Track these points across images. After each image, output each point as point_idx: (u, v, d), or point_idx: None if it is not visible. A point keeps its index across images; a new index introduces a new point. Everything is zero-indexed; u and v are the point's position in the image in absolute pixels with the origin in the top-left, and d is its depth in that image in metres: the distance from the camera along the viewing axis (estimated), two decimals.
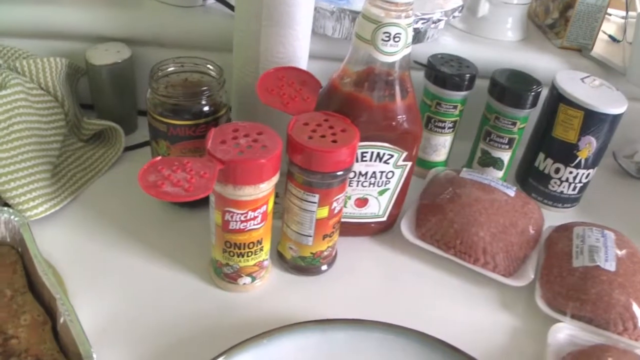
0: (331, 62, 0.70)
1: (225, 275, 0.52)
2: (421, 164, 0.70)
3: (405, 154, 0.54)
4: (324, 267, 0.56)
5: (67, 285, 0.51)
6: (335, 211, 0.51)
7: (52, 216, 0.57)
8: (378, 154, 0.53)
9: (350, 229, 0.59)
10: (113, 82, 0.65)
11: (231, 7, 0.68)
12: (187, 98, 0.53)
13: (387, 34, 0.48)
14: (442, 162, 0.71)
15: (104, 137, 0.69)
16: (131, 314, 0.49)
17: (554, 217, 0.66)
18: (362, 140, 0.51)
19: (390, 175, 0.56)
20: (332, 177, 0.48)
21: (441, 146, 0.69)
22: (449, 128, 0.67)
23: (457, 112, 0.66)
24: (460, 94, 0.65)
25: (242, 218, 0.47)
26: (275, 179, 0.46)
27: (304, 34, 0.58)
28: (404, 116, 0.52)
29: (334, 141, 0.47)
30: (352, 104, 0.51)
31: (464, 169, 0.64)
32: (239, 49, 0.59)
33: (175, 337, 0.48)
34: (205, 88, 0.53)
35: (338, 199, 0.50)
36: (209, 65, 0.57)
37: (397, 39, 0.48)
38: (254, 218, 0.47)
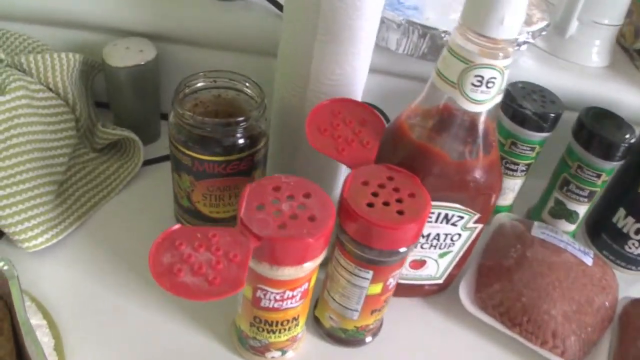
0: (389, 78, 0.60)
1: (251, 347, 0.43)
2: None
3: (477, 216, 0.44)
4: (368, 339, 0.47)
5: (65, 340, 0.43)
6: (390, 287, 0.42)
7: (53, 246, 0.49)
8: (446, 215, 0.44)
9: (399, 290, 0.50)
10: (133, 86, 0.56)
11: (279, 6, 0.58)
12: (219, 130, 0.43)
13: (480, 78, 0.37)
14: (508, 206, 0.61)
15: (120, 146, 0.60)
16: None
17: (626, 282, 0.56)
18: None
19: (456, 237, 0.46)
20: (393, 254, 0.38)
21: (510, 190, 0.58)
22: (522, 171, 0.57)
23: (534, 154, 0.55)
24: (541, 136, 0.54)
25: (278, 297, 0.38)
26: (322, 255, 0.37)
27: (366, 53, 0.48)
28: (484, 175, 0.42)
29: (400, 211, 0.37)
30: (423, 157, 0.41)
31: (536, 224, 0.54)
32: (285, 62, 0.49)
33: None
34: (241, 119, 0.43)
35: (395, 274, 0.41)
36: (247, 84, 0.47)
37: (490, 85, 0.37)
38: (292, 297, 0.38)
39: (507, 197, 0.59)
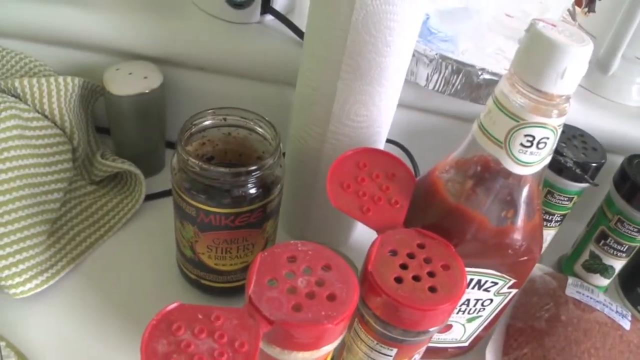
0: (416, 113, 0.55)
1: None
2: None
3: (513, 281, 0.40)
4: None
5: None
6: None
7: (44, 292, 0.45)
8: (479, 281, 0.39)
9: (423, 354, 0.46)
10: (136, 116, 0.51)
11: (299, 33, 0.53)
12: (228, 179, 0.39)
13: (530, 138, 0.32)
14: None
15: (121, 177, 0.55)
16: None
17: None
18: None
19: (487, 303, 0.41)
20: (421, 334, 0.34)
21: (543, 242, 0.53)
22: (557, 222, 0.52)
23: (570, 204, 0.51)
24: (579, 186, 0.49)
25: None
26: (341, 337, 0.32)
27: (394, 92, 0.43)
28: (524, 242, 0.37)
29: (432, 288, 0.32)
30: (459, 220, 0.36)
31: (570, 281, 0.49)
32: (304, 101, 0.45)
33: None
34: (254, 168, 0.38)
35: (421, 351, 0.36)
36: (261, 123, 0.43)
37: (541, 146, 0.33)
38: None
39: None
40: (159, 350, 0.27)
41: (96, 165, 0.52)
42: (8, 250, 0.43)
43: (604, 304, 0.48)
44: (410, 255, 0.34)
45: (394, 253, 0.34)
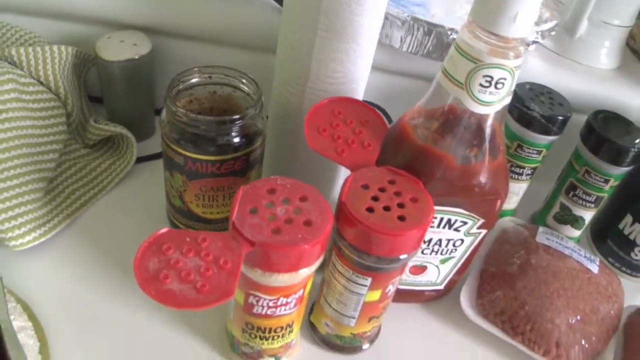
0: (392, 76, 0.58)
1: (243, 353, 0.41)
2: None
3: (482, 221, 0.42)
4: (365, 346, 0.45)
5: (50, 343, 0.42)
6: (389, 293, 0.40)
7: (41, 245, 0.47)
8: (449, 220, 0.42)
9: (398, 296, 0.48)
10: (127, 81, 0.54)
11: (279, 1, 0.56)
12: (213, 128, 0.42)
13: (489, 79, 0.35)
14: (512, 210, 0.59)
15: (113, 142, 0.58)
16: None
17: (631, 290, 0.54)
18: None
19: (458, 243, 0.44)
20: (393, 261, 0.37)
21: (514, 194, 0.57)
22: (527, 175, 0.55)
23: (540, 157, 0.54)
24: (547, 139, 0.52)
25: (271, 304, 0.36)
26: (319, 262, 0.35)
27: (368, 50, 0.46)
28: (490, 180, 0.40)
29: (401, 217, 0.35)
30: (426, 160, 0.39)
31: (540, 229, 0.52)
32: (284, 60, 0.47)
33: None
34: (237, 117, 0.41)
35: (394, 281, 0.39)
36: (244, 80, 0.45)
37: (499, 86, 0.36)
38: (286, 304, 0.36)
39: (511, 201, 0.58)
40: (150, 267, 0.30)
41: (89, 129, 0.55)
42: (7, 204, 0.46)
43: (572, 249, 0.51)
44: (381, 190, 0.37)
45: (366, 187, 0.37)
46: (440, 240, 0.44)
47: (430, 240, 0.43)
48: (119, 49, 0.53)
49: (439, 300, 0.51)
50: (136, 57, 0.53)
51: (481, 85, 0.35)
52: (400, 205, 0.36)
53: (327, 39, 0.44)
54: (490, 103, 0.36)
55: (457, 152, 0.38)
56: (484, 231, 0.44)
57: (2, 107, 0.47)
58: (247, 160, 0.44)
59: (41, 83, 0.52)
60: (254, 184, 0.35)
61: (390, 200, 0.36)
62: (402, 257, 0.36)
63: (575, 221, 0.56)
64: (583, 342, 0.47)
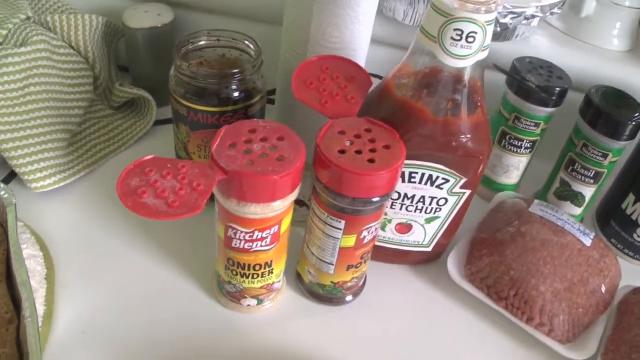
0: (398, 51, 0.60)
1: (228, 292, 0.44)
2: (488, 185, 0.59)
3: (463, 180, 0.44)
4: (348, 298, 0.47)
5: (58, 272, 0.46)
6: (365, 241, 0.42)
7: (60, 189, 0.52)
8: (430, 176, 0.43)
9: (386, 255, 0.50)
10: (149, 48, 0.59)
11: None
12: (215, 81, 0.45)
13: (459, 32, 0.37)
14: (513, 185, 0.59)
15: (136, 106, 0.63)
16: (117, 319, 0.44)
17: (632, 272, 0.54)
18: (411, 158, 0.41)
19: (442, 202, 0.46)
20: (364, 203, 0.39)
21: (513, 167, 0.57)
22: (526, 148, 0.56)
23: (538, 130, 0.54)
24: (545, 110, 0.53)
25: (247, 237, 0.39)
26: (292, 196, 0.38)
27: (366, 17, 0.48)
28: (468, 135, 0.41)
29: (371, 160, 0.37)
30: (405, 113, 0.41)
31: (536, 201, 0.53)
32: (288, 27, 0.50)
33: (161, 354, 0.42)
34: (236, 70, 0.45)
35: (370, 227, 0.41)
36: (246, 42, 0.49)
37: (470, 39, 0.37)
38: (262, 239, 0.39)
39: (512, 176, 0.58)
40: (131, 184, 0.34)
41: (115, 92, 0.60)
42: (32, 149, 0.51)
43: (565, 221, 0.51)
44: (357, 136, 0.39)
45: (342, 133, 0.39)
46: (423, 197, 0.45)
47: (413, 197, 0.45)
48: (143, 18, 0.58)
49: (428, 264, 0.52)
50: (159, 26, 0.58)
51: (452, 38, 0.37)
52: (372, 150, 0.38)
53: (325, 4, 0.46)
54: (463, 56, 0.38)
55: (433, 105, 0.40)
56: (467, 191, 0.45)
57: (34, 63, 0.52)
58: (245, 114, 0.47)
59: (72, 47, 0.57)
60: (237, 123, 0.38)
61: (363, 146, 0.38)
62: (374, 199, 0.38)
63: (575, 197, 0.56)
64: (569, 311, 0.47)
